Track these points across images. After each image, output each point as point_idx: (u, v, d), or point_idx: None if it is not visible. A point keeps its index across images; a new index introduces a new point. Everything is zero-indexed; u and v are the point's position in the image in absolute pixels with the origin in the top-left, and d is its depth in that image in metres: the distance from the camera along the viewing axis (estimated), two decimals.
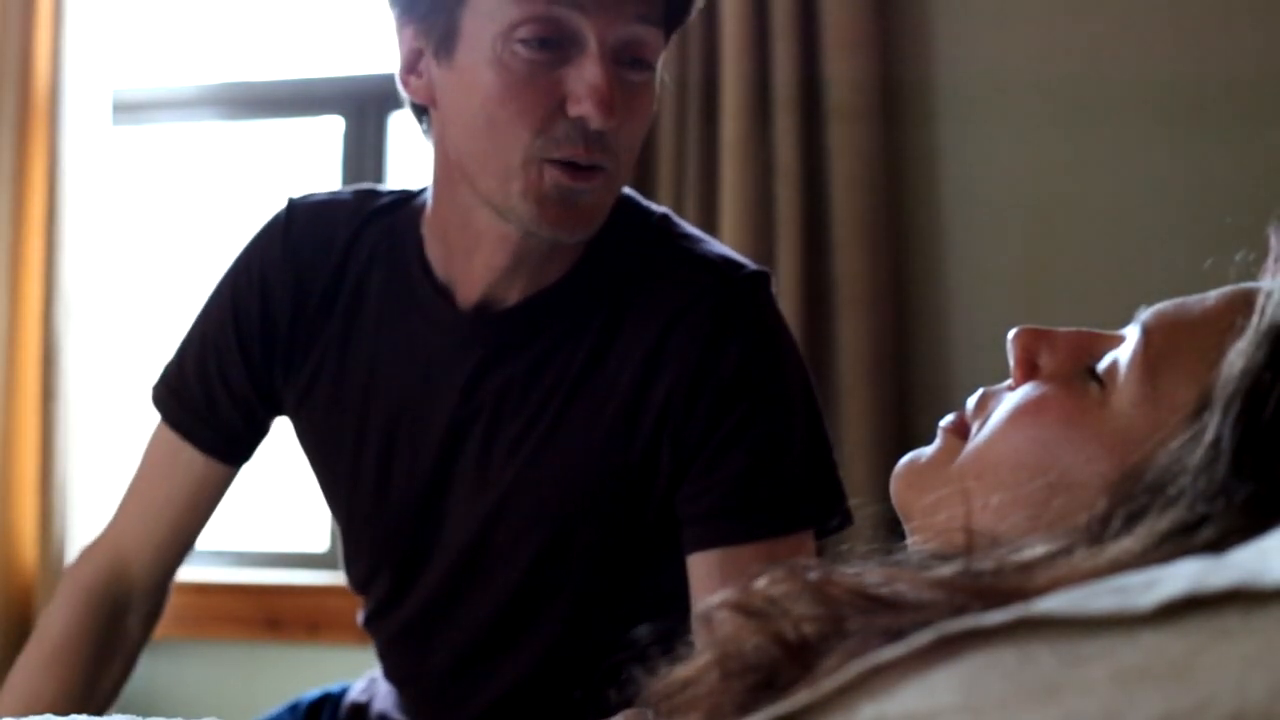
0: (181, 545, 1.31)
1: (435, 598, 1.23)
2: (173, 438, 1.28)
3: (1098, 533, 0.50)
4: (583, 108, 1.05)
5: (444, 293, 1.19)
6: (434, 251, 1.20)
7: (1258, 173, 1.91)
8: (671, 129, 2.08)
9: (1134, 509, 0.50)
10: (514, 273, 1.15)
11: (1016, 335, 0.67)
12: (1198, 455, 0.50)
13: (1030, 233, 2.05)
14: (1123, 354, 0.62)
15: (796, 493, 1.13)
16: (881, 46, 2.04)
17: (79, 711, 1.13)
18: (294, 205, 1.27)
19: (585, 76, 1.04)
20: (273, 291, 1.24)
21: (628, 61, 1.08)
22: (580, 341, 1.16)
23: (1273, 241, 0.65)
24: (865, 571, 0.49)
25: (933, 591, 0.45)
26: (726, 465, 1.12)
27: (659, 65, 1.12)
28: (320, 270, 1.23)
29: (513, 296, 1.17)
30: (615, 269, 1.17)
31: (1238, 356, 0.52)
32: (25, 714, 1.07)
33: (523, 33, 1.04)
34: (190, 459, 1.27)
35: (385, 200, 1.26)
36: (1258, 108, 1.97)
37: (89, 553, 1.31)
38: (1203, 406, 0.52)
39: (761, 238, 2.03)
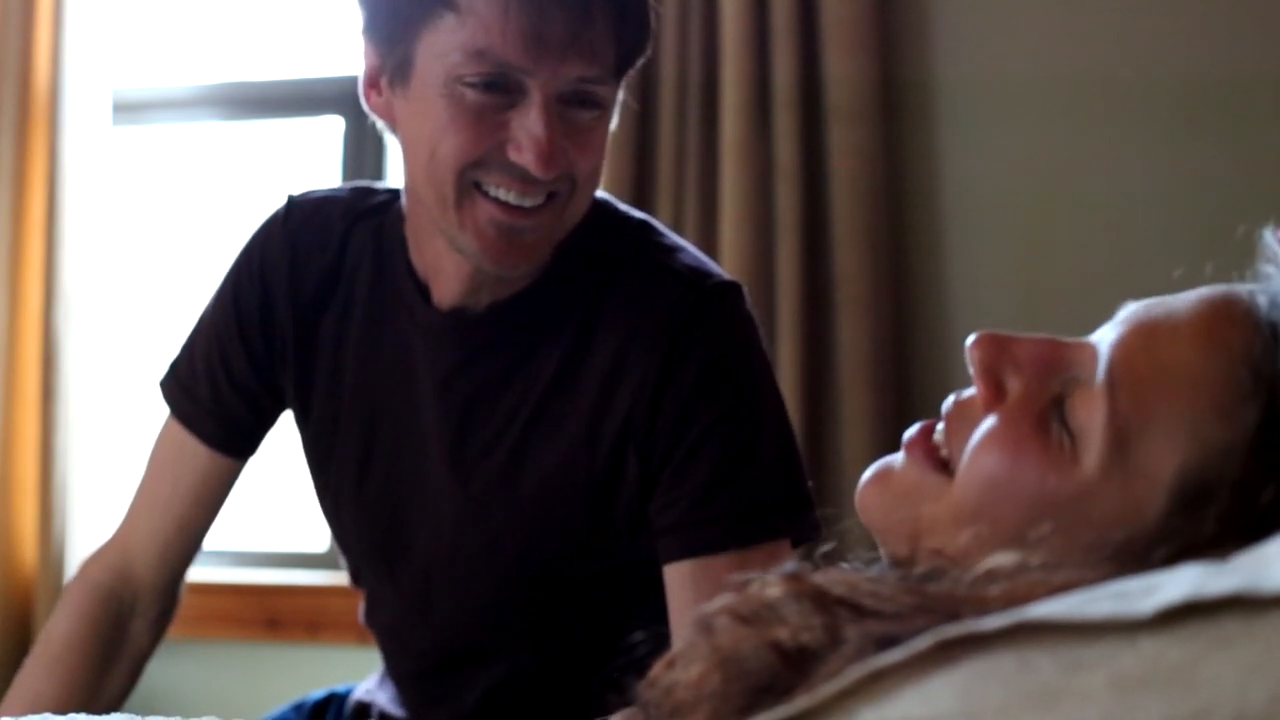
0: (187, 543, 1.30)
1: (416, 595, 1.24)
2: (178, 432, 1.29)
3: None
4: (523, 158, 1.05)
5: (426, 293, 1.20)
6: (413, 254, 1.20)
7: (1257, 173, 1.91)
8: (671, 129, 2.07)
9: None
10: (475, 291, 1.16)
11: (975, 344, 0.64)
12: (1205, 539, 0.50)
13: (1030, 233, 2.05)
14: (1093, 407, 0.58)
15: (764, 502, 1.12)
16: (881, 46, 2.04)
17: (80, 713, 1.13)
18: (293, 201, 1.28)
19: (528, 126, 1.05)
20: (272, 284, 1.25)
21: (577, 101, 1.08)
22: (551, 350, 1.16)
23: (1272, 243, 0.64)
24: (857, 579, 0.49)
25: (915, 600, 0.45)
26: (692, 476, 1.12)
27: (616, 95, 1.11)
28: (315, 265, 1.24)
29: (483, 302, 1.17)
30: (587, 276, 1.17)
31: (1233, 434, 0.51)
32: (27, 715, 1.07)
33: (470, 76, 1.05)
34: (195, 452, 1.28)
35: (379, 199, 1.27)
36: (1258, 108, 1.96)
37: (97, 554, 1.31)
38: (1202, 490, 0.52)
39: (761, 238, 2.02)
